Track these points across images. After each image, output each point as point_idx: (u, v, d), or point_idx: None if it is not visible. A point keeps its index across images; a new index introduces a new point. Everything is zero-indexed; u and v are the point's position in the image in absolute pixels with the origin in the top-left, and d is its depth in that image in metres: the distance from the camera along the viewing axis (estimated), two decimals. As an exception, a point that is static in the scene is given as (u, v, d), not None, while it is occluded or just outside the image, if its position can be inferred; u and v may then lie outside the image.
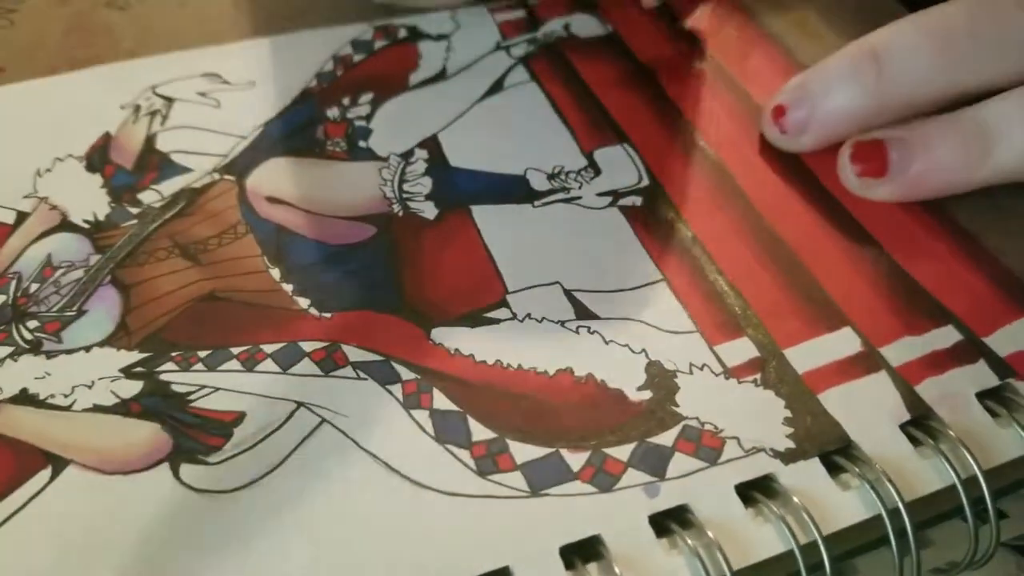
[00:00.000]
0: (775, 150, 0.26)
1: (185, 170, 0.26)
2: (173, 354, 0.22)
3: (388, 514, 0.19)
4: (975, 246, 0.23)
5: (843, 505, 0.19)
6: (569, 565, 0.18)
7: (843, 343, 0.21)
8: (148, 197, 0.25)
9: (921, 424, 0.20)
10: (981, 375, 0.20)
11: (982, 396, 0.20)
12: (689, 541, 0.18)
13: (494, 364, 0.21)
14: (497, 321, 0.22)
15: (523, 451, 0.19)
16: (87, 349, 0.22)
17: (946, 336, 0.21)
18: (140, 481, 0.19)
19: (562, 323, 0.22)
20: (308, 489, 0.19)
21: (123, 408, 0.21)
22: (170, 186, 0.25)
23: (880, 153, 0.24)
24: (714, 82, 0.28)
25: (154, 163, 0.26)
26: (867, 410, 0.20)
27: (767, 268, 0.23)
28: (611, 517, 0.18)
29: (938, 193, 0.24)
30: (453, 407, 0.20)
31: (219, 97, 0.28)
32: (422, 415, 0.20)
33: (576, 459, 0.19)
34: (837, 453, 0.19)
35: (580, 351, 0.21)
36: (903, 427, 0.20)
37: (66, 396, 0.21)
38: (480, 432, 0.20)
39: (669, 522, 0.18)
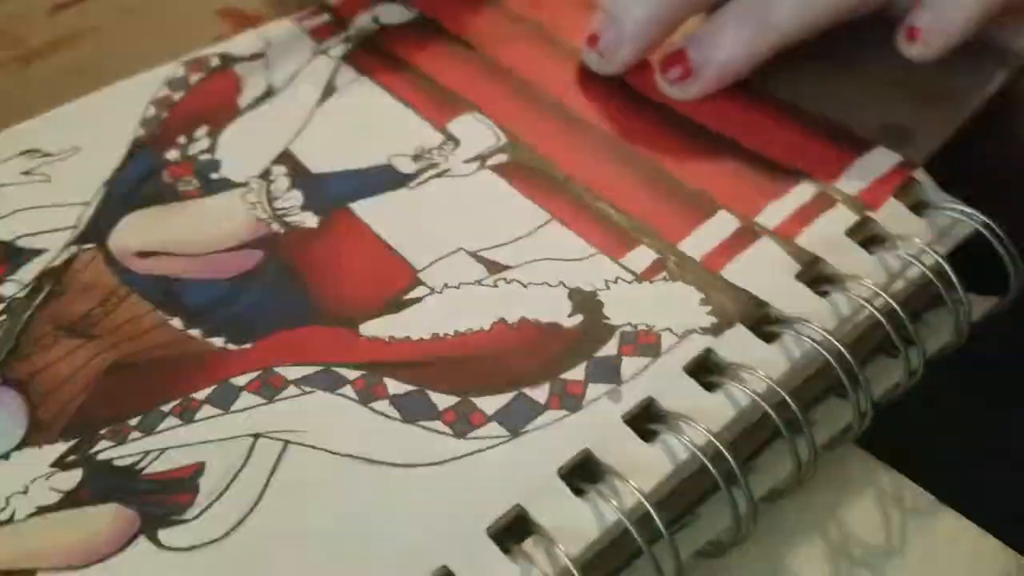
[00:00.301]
0: (603, 78, 0.28)
1: (38, 252, 0.24)
2: (101, 432, 0.21)
3: (386, 502, 0.19)
4: (798, 111, 0.26)
5: (776, 356, 0.21)
6: (573, 487, 0.19)
7: (723, 224, 0.24)
8: (8, 289, 0.23)
9: (813, 271, 0.23)
10: (843, 216, 0.24)
11: (851, 233, 0.23)
12: (665, 428, 0.20)
13: (432, 338, 0.22)
14: (419, 299, 0.23)
15: (490, 403, 0.20)
16: (5, 457, 0.20)
17: (803, 192, 0.24)
18: (121, 562, 0.19)
19: (479, 282, 0.23)
20: (297, 509, 0.19)
21: (71, 501, 0.20)
22: (28, 272, 0.24)
23: (681, 57, 0.27)
24: (528, 35, 0.30)
25: (1, 254, 0.24)
26: (764, 271, 0.23)
27: (636, 182, 0.25)
28: (591, 431, 0.20)
29: (743, 71, 0.27)
30: (409, 387, 0.21)
31: (46, 171, 0.26)
32: (383, 404, 0.21)
33: (540, 393, 0.21)
34: (756, 316, 0.22)
35: (505, 301, 0.22)
36: (799, 277, 0.22)
37: (3, 510, 0.19)
38: (444, 401, 0.21)
39: (642, 422, 0.20)
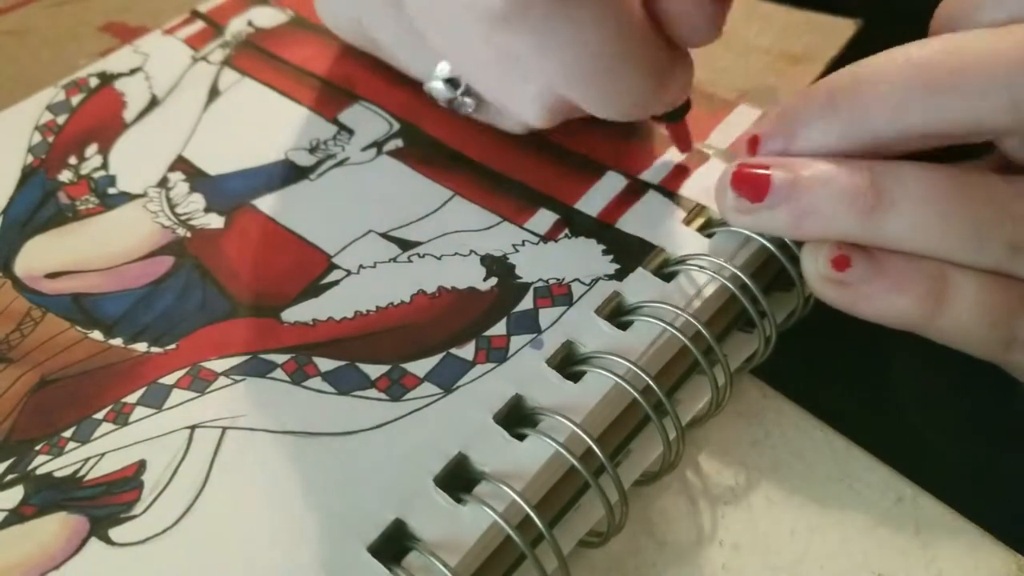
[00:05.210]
0: None
1: (-60, 286, 0.25)
2: (37, 448, 0.22)
3: (332, 469, 0.21)
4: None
5: (677, 292, 0.24)
6: (510, 431, 0.21)
7: (613, 183, 0.27)
8: (-85, 325, 0.24)
9: (699, 216, 0.26)
10: (716, 166, 0.27)
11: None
12: (587, 366, 0.22)
13: (355, 316, 0.24)
14: (337, 282, 0.25)
15: (420, 366, 0.23)
16: (-60, 485, 0.21)
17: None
18: (76, 566, 0.20)
19: (393, 259, 0.25)
20: (244, 488, 0.21)
21: (16, 517, 0.21)
22: (-68, 306, 0.25)
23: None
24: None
25: (-100, 292, 0.25)
26: (654, 220, 0.26)
27: (524, 151, 0.28)
28: (519, 378, 0.22)
29: None
30: (339, 363, 0.23)
31: (-65, 206, 0.27)
32: (316, 382, 0.23)
33: (466, 351, 0.23)
34: (653, 259, 0.25)
35: (422, 274, 0.25)
36: (686, 222, 0.26)
37: (-52, 535, 0.20)
38: (375, 370, 0.23)
39: (565, 365, 0.23)
